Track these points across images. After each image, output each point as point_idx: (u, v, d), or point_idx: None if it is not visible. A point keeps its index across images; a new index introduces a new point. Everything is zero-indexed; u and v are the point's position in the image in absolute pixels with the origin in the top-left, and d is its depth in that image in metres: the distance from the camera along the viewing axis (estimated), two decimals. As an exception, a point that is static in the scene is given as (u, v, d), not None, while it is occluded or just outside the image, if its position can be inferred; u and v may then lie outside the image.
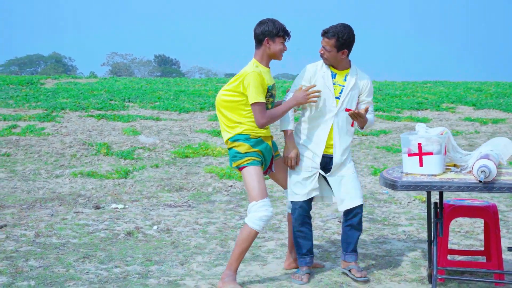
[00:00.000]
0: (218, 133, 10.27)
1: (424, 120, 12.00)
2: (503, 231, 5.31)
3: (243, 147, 3.94)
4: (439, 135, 3.79)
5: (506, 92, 16.06)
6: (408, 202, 6.43)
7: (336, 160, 4.10)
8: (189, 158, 8.46)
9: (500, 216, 5.82)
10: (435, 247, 3.85)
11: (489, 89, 16.85)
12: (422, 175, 3.73)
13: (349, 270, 4.17)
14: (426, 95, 15.70)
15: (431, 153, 3.72)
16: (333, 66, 4.11)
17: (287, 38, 4.03)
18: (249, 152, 3.93)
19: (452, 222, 5.48)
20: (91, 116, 11.25)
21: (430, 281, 4.02)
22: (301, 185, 4.11)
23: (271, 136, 4.17)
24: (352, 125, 4.17)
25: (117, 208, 6.02)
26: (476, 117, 12.47)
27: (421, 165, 3.75)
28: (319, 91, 4.01)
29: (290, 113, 4.08)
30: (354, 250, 4.20)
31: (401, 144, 3.85)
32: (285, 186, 4.27)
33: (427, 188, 3.59)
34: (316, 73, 4.08)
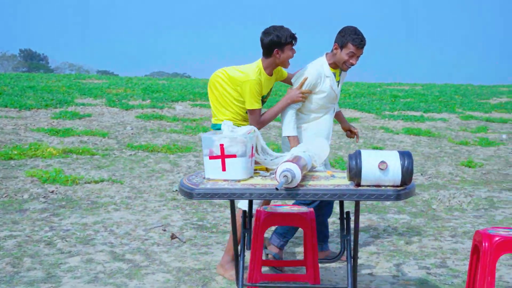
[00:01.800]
0: (56, 132, 9.36)
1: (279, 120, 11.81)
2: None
3: None
4: (245, 134, 3.34)
5: (364, 92, 16.46)
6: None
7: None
8: (12, 160, 7.51)
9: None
10: (241, 262, 3.40)
11: (348, 89, 17.20)
12: (225, 180, 3.26)
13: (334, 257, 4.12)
14: (287, 94, 15.67)
15: (234, 156, 3.26)
16: (334, 67, 4.13)
17: (295, 42, 3.98)
18: None
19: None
20: None
21: (241, 299, 3.57)
22: None
23: None
24: None
25: None
26: (331, 117, 12.52)
27: (223, 169, 3.27)
28: (310, 92, 4.06)
29: (294, 118, 4.10)
30: None
31: (202, 146, 3.35)
32: None
33: (227, 197, 3.11)
34: (321, 76, 4.07)
